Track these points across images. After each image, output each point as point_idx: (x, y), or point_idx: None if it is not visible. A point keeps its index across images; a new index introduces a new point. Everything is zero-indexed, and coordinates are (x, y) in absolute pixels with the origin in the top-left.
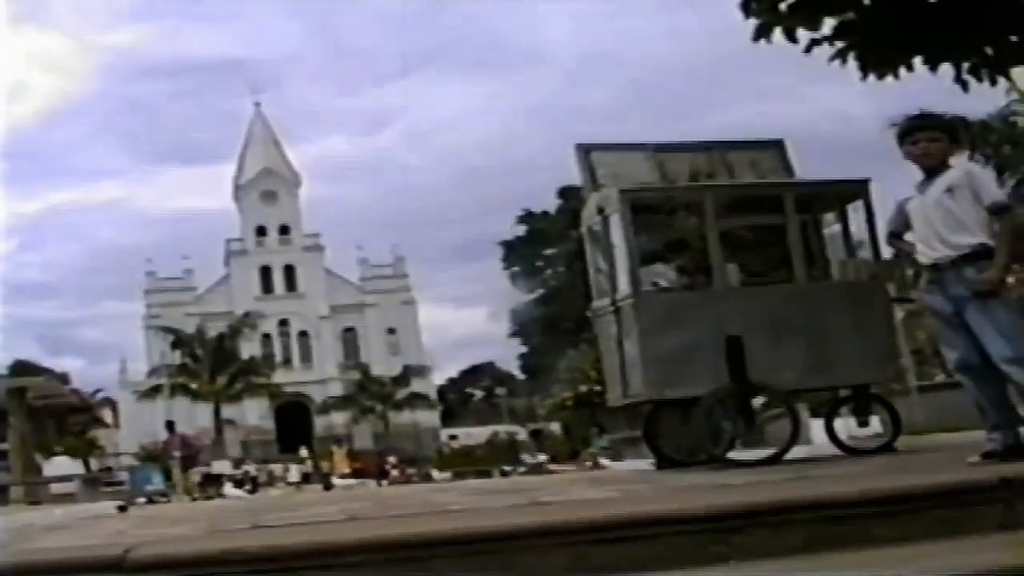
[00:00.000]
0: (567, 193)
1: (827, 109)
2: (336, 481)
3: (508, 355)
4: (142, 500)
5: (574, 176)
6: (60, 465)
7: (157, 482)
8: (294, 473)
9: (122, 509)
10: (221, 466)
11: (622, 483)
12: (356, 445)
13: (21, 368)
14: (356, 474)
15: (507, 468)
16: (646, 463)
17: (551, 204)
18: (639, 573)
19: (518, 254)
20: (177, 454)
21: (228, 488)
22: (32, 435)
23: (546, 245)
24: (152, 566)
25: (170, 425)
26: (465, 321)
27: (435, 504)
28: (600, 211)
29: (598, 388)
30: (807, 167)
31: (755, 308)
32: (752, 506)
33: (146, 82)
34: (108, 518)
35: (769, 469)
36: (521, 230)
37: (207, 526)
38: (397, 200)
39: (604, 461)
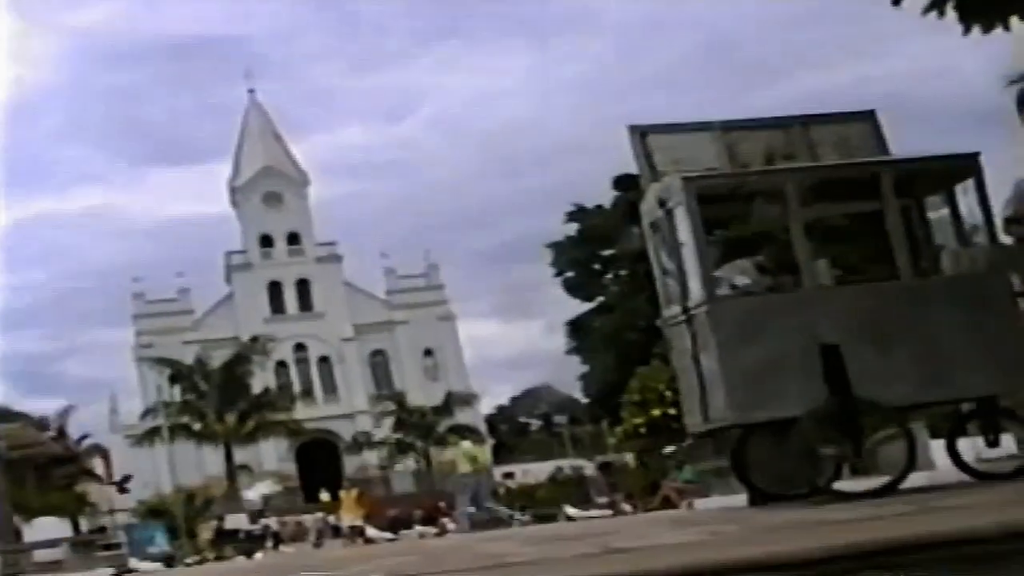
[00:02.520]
0: (624, 182)
1: (924, 70)
2: (373, 533)
3: (567, 375)
4: (148, 565)
5: (631, 161)
6: (44, 527)
7: (161, 542)
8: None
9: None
10: (236, 520)
11: (708, 523)
12: (396, 487)
13: None
14: (393, 524)
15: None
16: (737, 499)
17: (605, 195)
18: None
19: (570, 256)
20: None
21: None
22: (8, 492)
23: (603, 244)
24: None
25: None
26: (514, 337)
27: (490, 556)
28: (662, 204)
29: (675, 411)
30: (904, 142)
31: (853, 310)
32: (863, 546)
33: (123, 68)
34: None
35: (882, 501)
36: (573, 228)
37: None
38: (425, 198)
39: (686, 497)
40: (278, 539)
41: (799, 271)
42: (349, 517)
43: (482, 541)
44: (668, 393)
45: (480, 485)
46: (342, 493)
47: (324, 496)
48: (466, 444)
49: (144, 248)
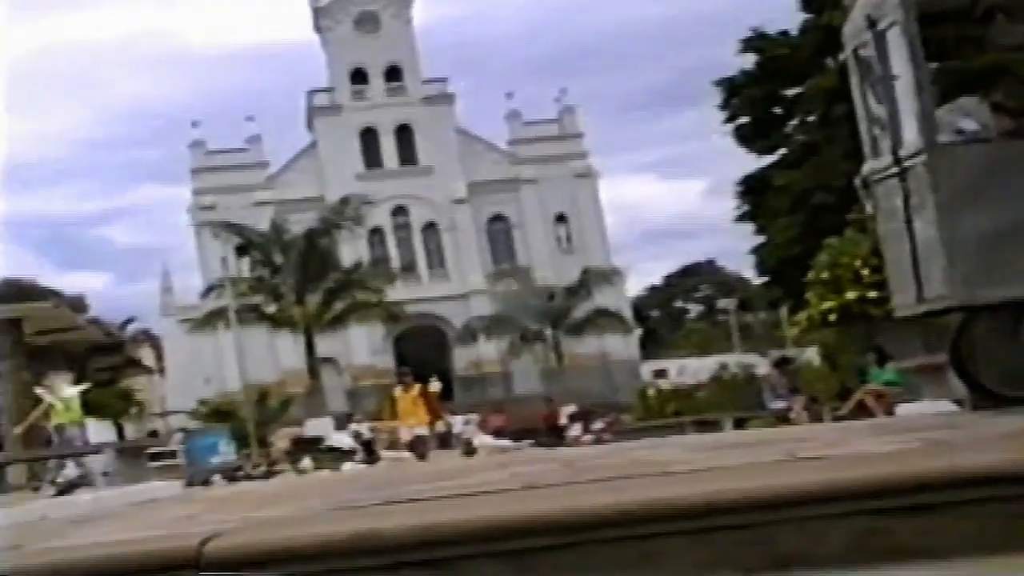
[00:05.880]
0: (816, 1)
1: None
2: (481, 440)
3: (736, 248)
4: (217, 478)
5: None
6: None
7: (226, 451)
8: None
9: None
10: (318, 426)
11: (918, 430)
12: (517, 388)
13: (15, 290)
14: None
15: (744, 416)
16: (951, 403)
17: (791, 19)
18: (950, 559)
19: (745, 97)
20: None
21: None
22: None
23: (788, 81)
24: (242, 561)
25: None
26: (670, 200)
27: (649, 464)
28: (871, 25)
29: (875, 294)
30: None
31: None
32: None
33: None
34: (166, 502)
35: None
36: (750, 61)
37: (316, 504)
38: (559, 23)
39: (886, 403)
40: (371, 449)
41: None
42: (411, 425)
43: (641, 448)
44: (866, 271)
45: None
46: (397, 391)
47: (435, 387)
48: None
49: (204, 84)
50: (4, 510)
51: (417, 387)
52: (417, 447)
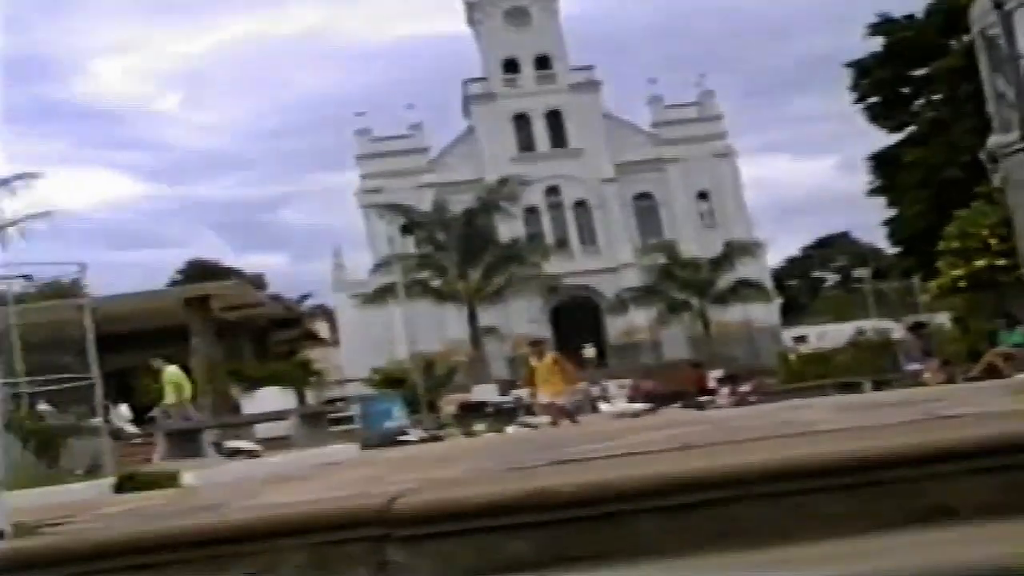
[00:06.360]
0: None
1: None
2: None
3: (870, 221)
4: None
5: None
6: (266, 399)
7: (399, 416)
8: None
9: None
10: (483, 391)
11: None
12: (666, 354)
13: (200, 269)
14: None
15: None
16: None
17: (918, 2)
18: None
19: (874, 78)
20: None
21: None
22: (223, 360)
23: (915, 62)
24: (431, 516)
25: None
26: (806, 176)
27: (798, 424)
28: (998, 5)
29: (1003, 262)
30: None
31: None
32: None
33: None
34: (347, 464)
35: None
36: (876, 44)
37: (488, 465)
38: (696, 12)
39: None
40: (531, 413)
41: None
42: (548, 392)
43: (786, 409)
44: (994, 241)
45: None
46: (532, 360)
47: (589, 353)
48: None
49: (367, 76)
50: (204, 471)
51: (550, 355)
52: (551, 413)
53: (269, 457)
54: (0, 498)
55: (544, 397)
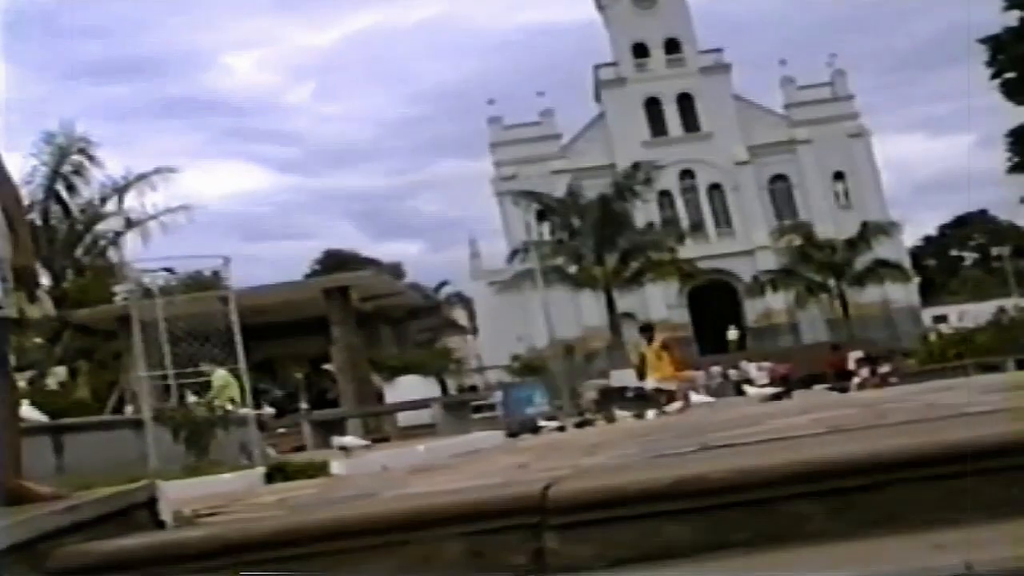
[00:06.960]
0: None
1: None
2: (753, 391)
3: (1009, 198)
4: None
5: None
6: (407, 387)
7: (540, 402)
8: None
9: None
10: (622, 376)
11: None
12: (804, 336)
13: (337, 259)
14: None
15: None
16: None
17: None
18: None
19: (1011, 53)
20: None
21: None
22: (364, 349)
23: None
24: (582, 505)
25: None
26: (941, 155)
27: (944, 406)
28: None
29: None
30: None
31: None
32: None
33: None
34: (492, 451)
35: None
36: (1012, 18)
37: (634, 452)
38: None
39: None
40: (672, 398)
41: None
42: (657, 377)
43: (930, 391)
44: None
45: None
46: (642, 346)
47: (732, 335)
48: None
49: (496, 64)
50: (351, 460)
51: (659, 341)
52: (660, 400)
53: (416, 445)
54: (160, 489)
55: (651, 382)
